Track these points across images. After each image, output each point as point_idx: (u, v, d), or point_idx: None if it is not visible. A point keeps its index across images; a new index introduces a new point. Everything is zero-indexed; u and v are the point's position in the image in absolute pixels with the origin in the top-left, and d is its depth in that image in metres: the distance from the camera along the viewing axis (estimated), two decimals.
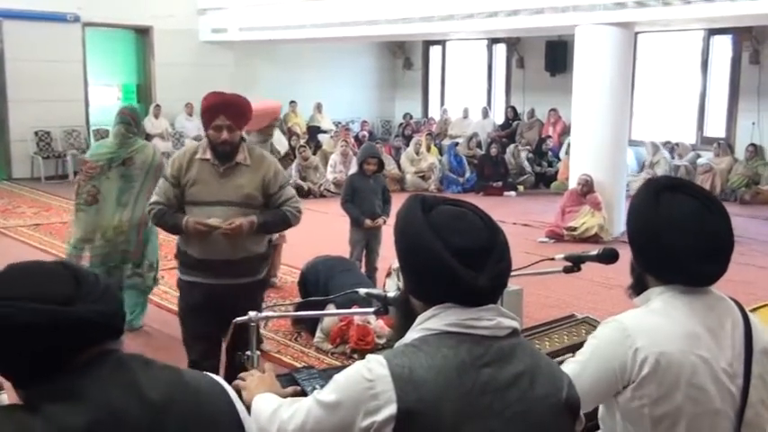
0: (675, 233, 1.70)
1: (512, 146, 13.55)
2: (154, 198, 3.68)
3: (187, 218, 3.57)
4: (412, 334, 1.46)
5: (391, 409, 1.35)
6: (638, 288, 1.85)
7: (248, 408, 1.66)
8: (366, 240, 6.25)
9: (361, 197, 6.18)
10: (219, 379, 1.44)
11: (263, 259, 3.81)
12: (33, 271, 1.30)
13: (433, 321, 1.44)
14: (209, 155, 3.59)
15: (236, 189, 3.59)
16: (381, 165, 6.38)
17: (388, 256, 6.19)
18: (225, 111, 3.53)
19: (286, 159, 7.10)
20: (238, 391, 1.76)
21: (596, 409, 1.83)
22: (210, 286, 3.62)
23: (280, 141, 7.03)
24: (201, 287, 3.65)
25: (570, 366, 1.75)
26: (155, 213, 3.66)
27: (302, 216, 3.80)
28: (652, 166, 12.26)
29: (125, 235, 5.19)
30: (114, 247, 5.21)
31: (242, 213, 3.57)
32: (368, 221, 6.13)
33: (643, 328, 1.71)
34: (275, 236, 5.93)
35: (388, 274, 6.05)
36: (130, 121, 5.18)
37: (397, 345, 1.46)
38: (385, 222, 6.23)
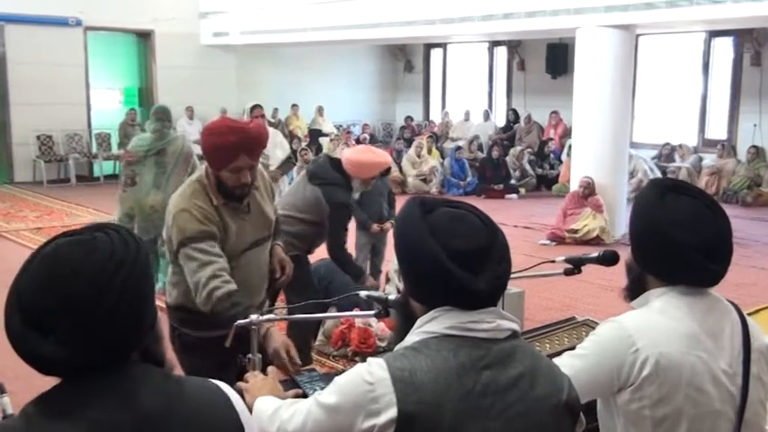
0: (683, 231, 1.71)
1: (517, 149, 13.54)
2: (211, 270, 2.63)
3: (270, 328, 2.51)
4: (412, 337, 1.46)
5: (392, 412, 1.35)
6: (636, 290, 1.85)
7: (249, 410, 1.66)
8: (372, 244, 6.25)
9: (369, 200, 6.17)
10: (226, 388, 1.41)
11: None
12: (58, 261, 1.24)
13: (432, 324, 1.44)
14: (221, 199, 2.79)
15: (265, 222, 2.96)
16: (388, 168, 6.38)
17: (389, 259, 6.20)
18: (247, 149, 2.71)
19: (288, 163, 7.12)
20: (240, 394, 1.77)
21: (596, 411, 1.83)
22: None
23: (282, 145, 7.03)
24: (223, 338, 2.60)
25: (568, 360, 1.76)
26: (222, 296, 2.59)
27: None
28: (633, 175, 11.34)
29: (159, 213, 5.94)
30: (152, 223, 6.06)
31: (267, 246, 3.02)
32: (375, 226, 6.13)
33: (644, 328, 1.72)
34: None
35: (387, 280, 6.05)
36: (164, 119, 6.32)
37: (397, 348, 1.47)
38: (392, 226, 6.22)
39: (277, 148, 6.80)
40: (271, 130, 7.48)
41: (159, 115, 6.31)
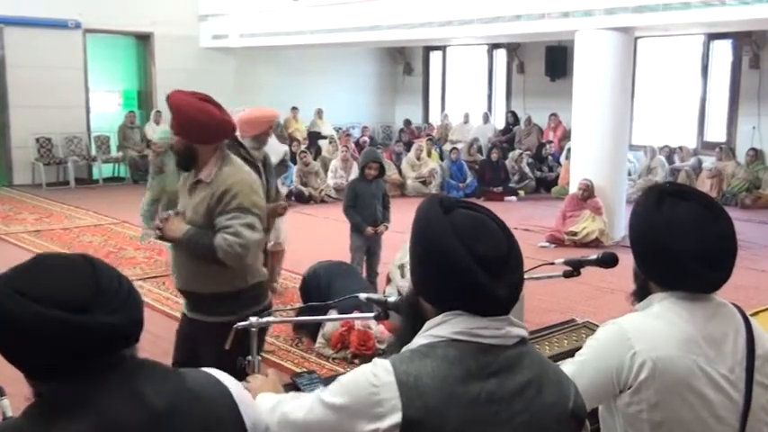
0: (679, 239, 1.69)
1: (516, 153, 13.53)
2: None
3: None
4: (419, 339, 1.43)
5: (396, 417, 1.33)
6: (642, 295, 1.84)
7: None
8: (367, 246, 6.26)
9: (363, 202, 6.19)
10: (223, 378, 1.42)
11: (237, 298, 3.02)
12: (56, 267, 1.25)
13: (441, 328, 1.41)
14: None
15: (188, 214, 3.09)
16: (382, 169, 6.39)
17: (388, 260, 6.19)
18: (170, 108, 3.10)
19: (280, 167, 7.12)
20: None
21: (597, 413, 1.83)
22: (183, 318, 3.20)
23: (274, 149, 7.02)
24: (183, 316, 3.25)
25: (568, 367, 1.75)
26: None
27: (241, 253, 2.93)
28: (649, 171, 12.24)
29: None
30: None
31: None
32: (369, 229, 6.13)
33: (642, 331, 1.71)
34: (271, 242, 5.91)
35: (388, 282, 6.05)
36: None
37: (404, 350, 1.43)
38: (387, 229, 6.24)
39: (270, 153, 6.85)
40: None
41: None
